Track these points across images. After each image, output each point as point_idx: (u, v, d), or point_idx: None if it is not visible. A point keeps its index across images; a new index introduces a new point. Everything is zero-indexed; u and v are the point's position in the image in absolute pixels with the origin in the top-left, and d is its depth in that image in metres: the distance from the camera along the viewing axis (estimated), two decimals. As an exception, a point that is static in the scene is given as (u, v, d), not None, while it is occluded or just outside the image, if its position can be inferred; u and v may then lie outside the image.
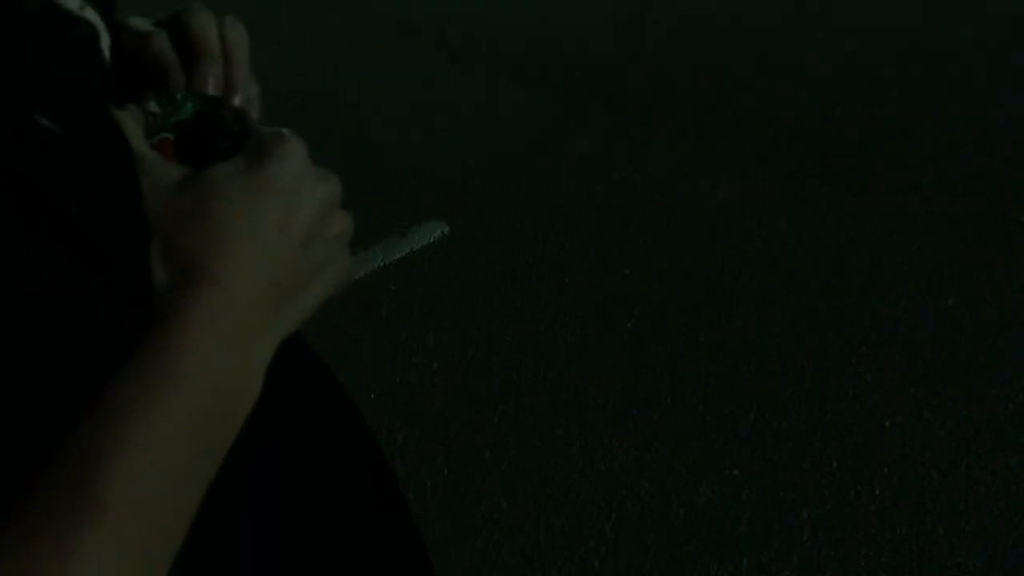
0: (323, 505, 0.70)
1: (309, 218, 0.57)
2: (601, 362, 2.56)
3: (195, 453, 0.51)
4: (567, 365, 2.57)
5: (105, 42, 0.58)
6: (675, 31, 4.52)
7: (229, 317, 0.52)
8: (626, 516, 2.13)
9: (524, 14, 4.86)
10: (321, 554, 0.68)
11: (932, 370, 2.43)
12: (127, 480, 0.46)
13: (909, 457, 2.20)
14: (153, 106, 0.59)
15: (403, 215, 3.26)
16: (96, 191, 0.48)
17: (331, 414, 0.76)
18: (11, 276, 0.43)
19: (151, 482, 0.47)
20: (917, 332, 2.58)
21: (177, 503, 0.49)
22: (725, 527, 2.08)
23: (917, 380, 2.40)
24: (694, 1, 4.84)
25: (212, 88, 0.61)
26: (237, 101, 0.62)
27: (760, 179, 3.29)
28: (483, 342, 2.66)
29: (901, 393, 2.37)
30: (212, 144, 0.57)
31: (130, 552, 0.46)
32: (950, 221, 2.97)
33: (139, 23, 0.64)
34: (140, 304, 0.51)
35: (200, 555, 0.52)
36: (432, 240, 3.12)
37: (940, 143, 3.39)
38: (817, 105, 3.73)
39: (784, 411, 2.35)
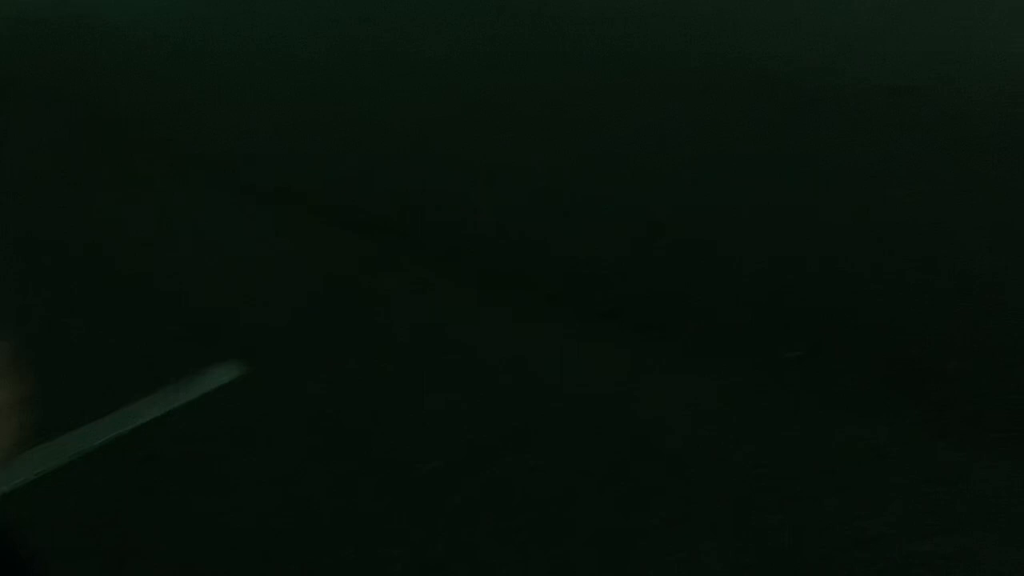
0: None
1: None
2: (398, 516, 2.50)
3: None
4: (364, 519, 2.49)
5: None
6: (488, 173, 4.62)
7: None
8: None
9: (331, 155, 4.87)
10: None
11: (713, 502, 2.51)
12: None
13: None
14: None
15: (192, 359, 3.15)
16: None
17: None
18: None
19: None
20: (696, 473, 2.60)
21: None
22: None
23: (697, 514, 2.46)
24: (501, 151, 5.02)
25: None
26: None
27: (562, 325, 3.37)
28: (275, 495, 2.57)
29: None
30: None
31: None
32: (726, 365, 3.10)
33: None
34: None
35: None
36: (223, 385, 3.02)
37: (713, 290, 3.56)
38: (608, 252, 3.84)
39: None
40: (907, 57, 5.93)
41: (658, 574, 2.28)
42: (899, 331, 3.20)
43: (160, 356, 3.22)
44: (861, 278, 3.57)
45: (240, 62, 6.44)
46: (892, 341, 3.15)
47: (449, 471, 2.66)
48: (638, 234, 3.94)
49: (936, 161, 4.54)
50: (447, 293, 3.59)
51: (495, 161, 4.78)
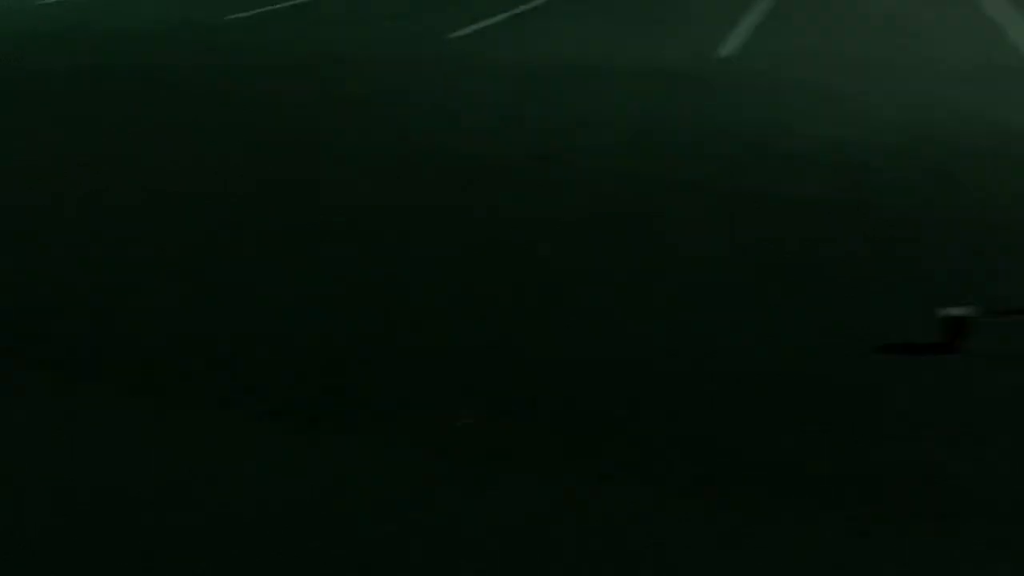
0: None
1: None
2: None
3: None
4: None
5: None
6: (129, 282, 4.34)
7: None
8: None
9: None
10: None
11: None
12: None
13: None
14: None
15: None
16: None
17: None
18: None
19: None
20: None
21: None
22: None
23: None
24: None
25: None
26: None
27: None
28: None
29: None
30: None
31: None
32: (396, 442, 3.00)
33: None
34: None
35: None
36: None
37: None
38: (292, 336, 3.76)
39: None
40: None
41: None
42: (562, 388, 3.31)
43: None
44: (526, 343, 3.66)
45: None
46: (559, 398, 3.25)
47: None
48: (299, 336, 3.73)
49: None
50: (125, 413, 3.20)
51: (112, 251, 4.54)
